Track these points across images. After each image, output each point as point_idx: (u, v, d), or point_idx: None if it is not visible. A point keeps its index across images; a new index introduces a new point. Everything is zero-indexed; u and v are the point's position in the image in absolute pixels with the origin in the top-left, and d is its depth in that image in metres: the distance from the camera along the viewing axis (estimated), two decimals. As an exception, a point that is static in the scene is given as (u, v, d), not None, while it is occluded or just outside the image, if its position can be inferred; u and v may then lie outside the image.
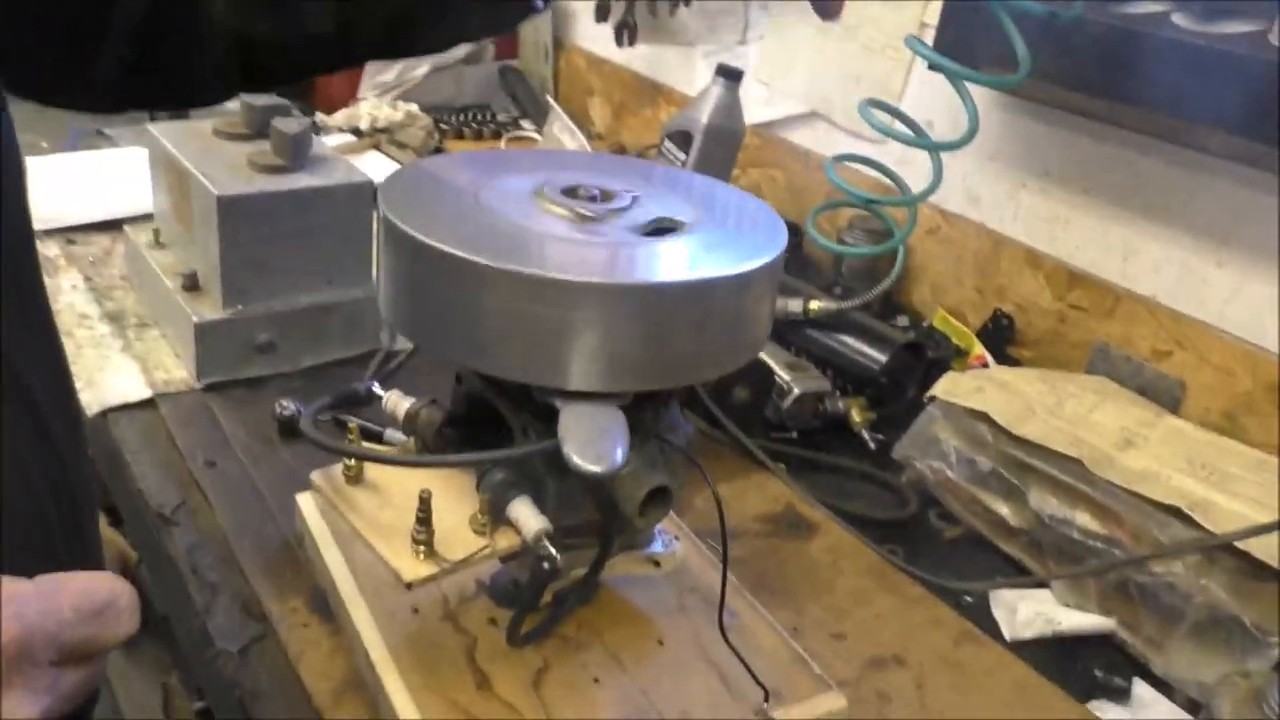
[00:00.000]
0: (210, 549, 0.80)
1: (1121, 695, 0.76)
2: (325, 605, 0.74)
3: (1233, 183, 0.98)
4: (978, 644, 0.79)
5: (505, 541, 0.59)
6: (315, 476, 0.64)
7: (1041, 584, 0.84)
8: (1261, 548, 0.75)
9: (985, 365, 1.13)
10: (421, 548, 0.57)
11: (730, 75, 1.23)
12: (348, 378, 1.02)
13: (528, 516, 0.58)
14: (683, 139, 1.23)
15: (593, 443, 0.49)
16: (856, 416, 1.04)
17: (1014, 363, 1.15)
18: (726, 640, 0.63)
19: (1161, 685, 0.77)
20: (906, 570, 0.86)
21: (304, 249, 1.00)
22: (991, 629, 0.82)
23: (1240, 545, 0.74)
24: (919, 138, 0.99)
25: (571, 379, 0.53)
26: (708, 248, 0.57)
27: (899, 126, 1.00)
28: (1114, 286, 1.08)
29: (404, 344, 1.09)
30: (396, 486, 0.63)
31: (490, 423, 0.64)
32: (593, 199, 0.61)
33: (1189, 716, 0.74)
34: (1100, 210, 1.10)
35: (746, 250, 0.56)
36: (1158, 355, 1.05)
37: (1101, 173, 1.09)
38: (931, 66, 0.95)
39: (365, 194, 1.01)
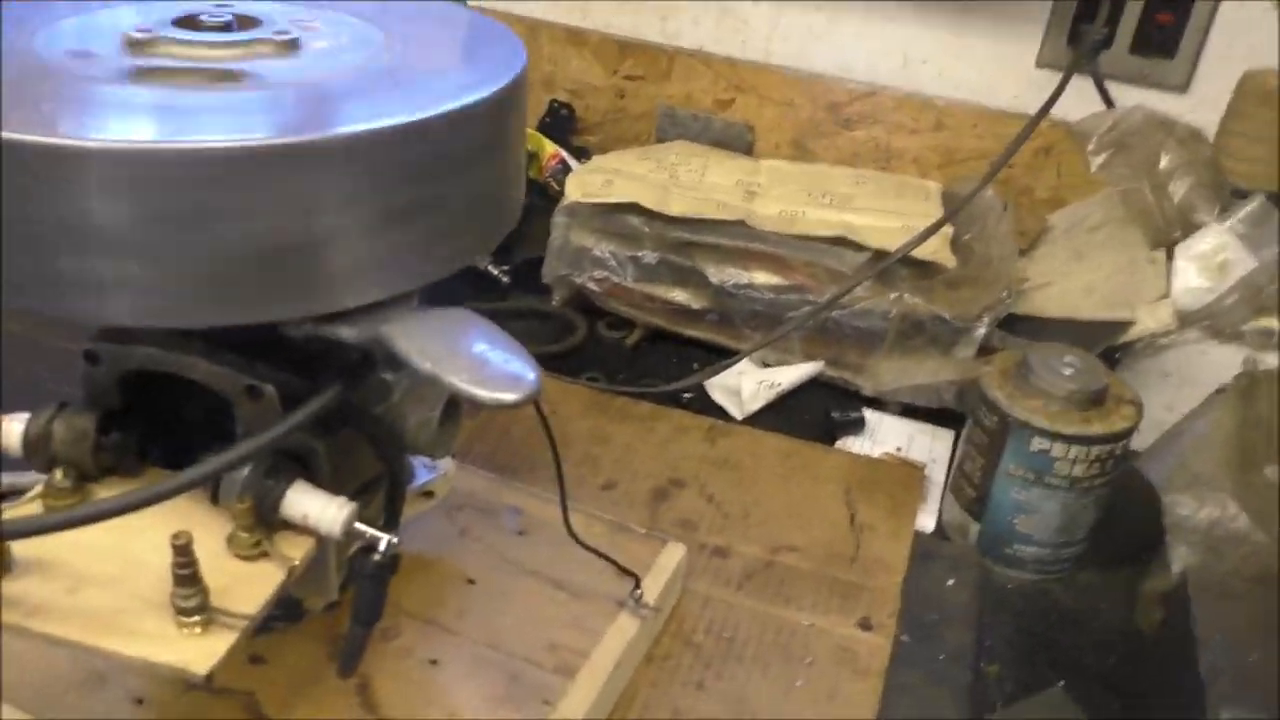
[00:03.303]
0: None
1: (859, 425, 0.78)
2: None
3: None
4: (727, 433, 0.76)
5: (295, 550, 0.41)
6: (-78, 593, 0.38)
7: (739, 354, 0.82)
8: (924, 251, 0.79)
9: (563, 163, 1.05)
10: (196, 616, 0.37)
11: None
12: None
13: (319, 506, 0.40)
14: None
15: (491, 364, 0.33)
16: (475, 253, 0.92)
17: (583, 152, 1.08)
18: (581, 543, 0.52)
19: (874, 403, 0.81)
20: (622, 392, 0.79)
21: None
22: (721, 414, 0.79)
23: (914, 254, 0.78)
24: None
25: (347, 291, 0.36)
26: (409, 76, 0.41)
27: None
28: (662, 47, 1.05)
29: None
30: (71, 553, 0.39)
31: (167, 402, 0.43)
32: (227, 27, 0.41)
33: (916, 421, 0.79)
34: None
35: (483, 76, 0.41)
36: (721, 105, 1.05)
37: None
38: None
39: None
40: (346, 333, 0.36)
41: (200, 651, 0.37)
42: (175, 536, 0.36)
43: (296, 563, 0.40)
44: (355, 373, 0.39)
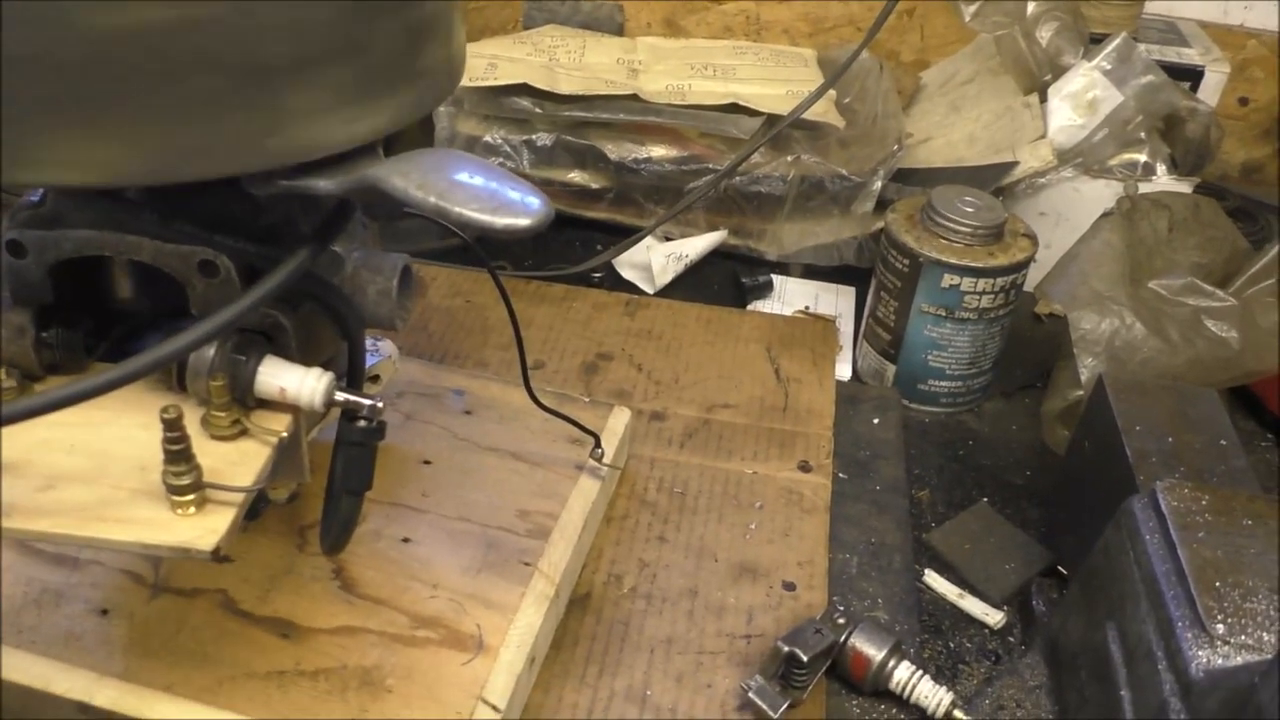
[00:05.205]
0: None
1: (767, 288, 0.80)
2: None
3: None
4: (645, 306, 0.77)
5: (276, 423, 0.39)
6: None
7: (645, 230, 0.83)
8: (814, 113, 0.81)
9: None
10: (190, 495, 0.35)
11: None
12: None
13: (297, 378, 0.39)
14: None
15: (499, 193, 0.32)
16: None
17: (449, 45, 1.05)
18: (544, 407, 0.52)
19: (777, 268, 0.83)
20: (535, 276, 0.78)
21: None
22: (634, 290, 0.80)
23: (805, 117, 0.80)
24: None
25: (324, 135, 0.34)
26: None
27: None
28: (524, -72, 1.02)
29: None
30: (32, 453, 0.37)
31: (98, 288, 0.41)
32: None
33: (819, 281, 0.82)
34: None
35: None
36: (589, -13, 1.03)
37: None
38: None
39: None
40: (324, 184, 0.34)
41: (201, 529, 0.35)
42: (165, 410, 0.34)
43: (284, 433, 0.38)
44: (324, 234, 0.38)
